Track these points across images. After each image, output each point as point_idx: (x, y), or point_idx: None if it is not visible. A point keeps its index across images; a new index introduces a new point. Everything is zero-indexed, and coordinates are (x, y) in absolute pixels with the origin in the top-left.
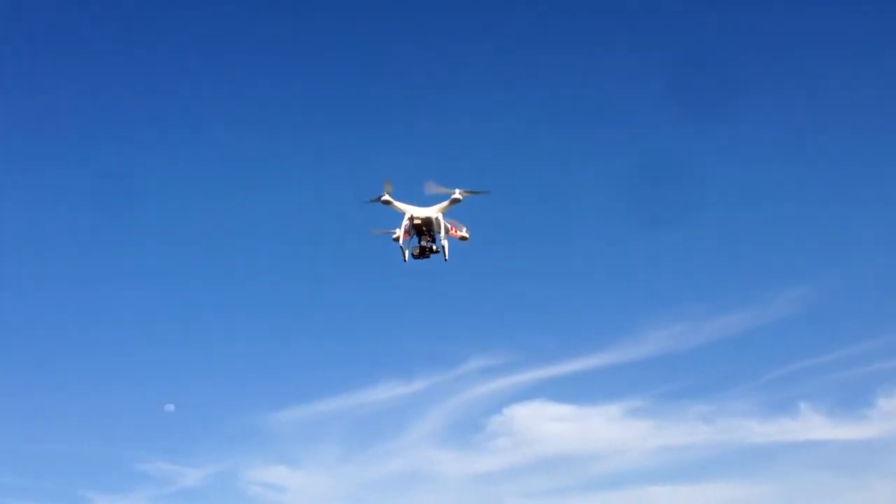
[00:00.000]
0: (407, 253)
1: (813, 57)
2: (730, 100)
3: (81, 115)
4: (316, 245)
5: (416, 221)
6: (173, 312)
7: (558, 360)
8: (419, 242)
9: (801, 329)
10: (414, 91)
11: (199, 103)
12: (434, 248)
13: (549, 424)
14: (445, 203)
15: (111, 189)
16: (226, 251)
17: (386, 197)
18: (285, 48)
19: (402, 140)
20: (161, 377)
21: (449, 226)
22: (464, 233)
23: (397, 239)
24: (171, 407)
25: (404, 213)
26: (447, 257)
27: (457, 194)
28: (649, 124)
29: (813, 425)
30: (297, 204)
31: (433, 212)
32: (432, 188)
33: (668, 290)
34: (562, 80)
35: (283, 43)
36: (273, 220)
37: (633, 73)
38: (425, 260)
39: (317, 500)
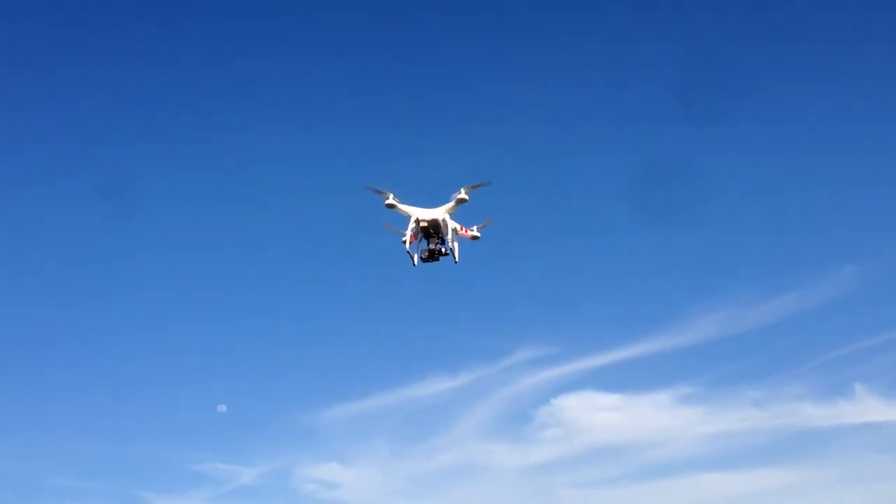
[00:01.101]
0: (416, 257)
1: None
2: (750, 95)
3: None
4: (349, 246)
5: (423, 224)
6: (223, 316)
7: (605, 350)
8: (427, 245)
9: (854, 309)
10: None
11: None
12: (443, 250)
13: (597, 414)
14: (451, 204)
15: (141, 195)
16: (264, 256)
17: (390, 200)
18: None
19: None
20: (213, 379)
21: (458, 226)
22: (474, 232)
23: (405, 243)
24: (223, 408)
25: (410, 217)
26: (457, 259)
27: (462, 194)
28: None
29: (869, 407)
30: (328, 206)
31: (440, 213)
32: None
33: (713, 277)
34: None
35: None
36: (308, 223)
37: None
38: (434, 263)
39: (370, 496)
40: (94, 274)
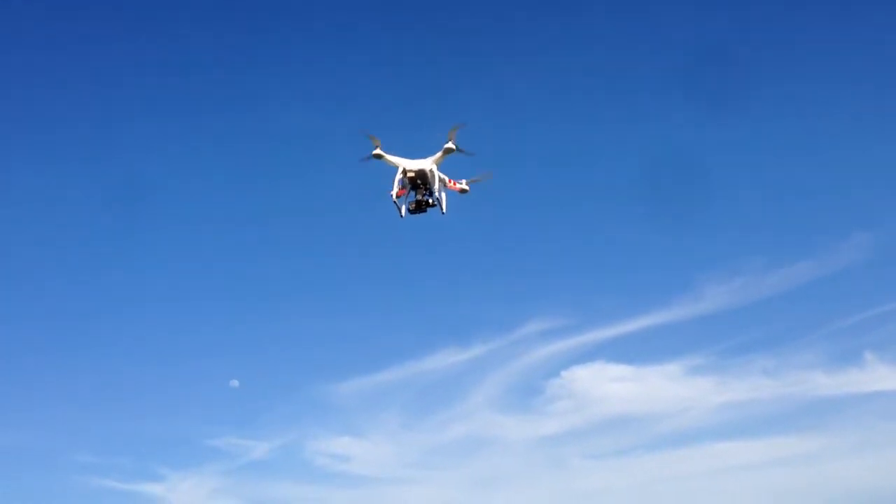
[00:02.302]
0: (403, 209)
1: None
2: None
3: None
4: (359, 218)
5: (410, 174)
6: (234, 292)
7: (616, 321)
8: (415, 196)
9: (864, 277)
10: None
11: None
12: (430, 201)
13: (609, 385)
14: (439, 154)
15: (148, 178)
16: (274, 230)
17: (377, 151)
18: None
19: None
20: (224, 354)
21: (446, 178)
22: (463, 185)
23: (393, 195)
24: (235, 382)
25: (398, 167)
26: (444, 210)
27: (450, 144)
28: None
29: (879, 375)
30: (332, 180)
31: (427, 164)
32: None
33: (723, 245)
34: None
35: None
36: (312, 199)
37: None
38: (422, 214)
39: (382, 469)
40: (105, 254)
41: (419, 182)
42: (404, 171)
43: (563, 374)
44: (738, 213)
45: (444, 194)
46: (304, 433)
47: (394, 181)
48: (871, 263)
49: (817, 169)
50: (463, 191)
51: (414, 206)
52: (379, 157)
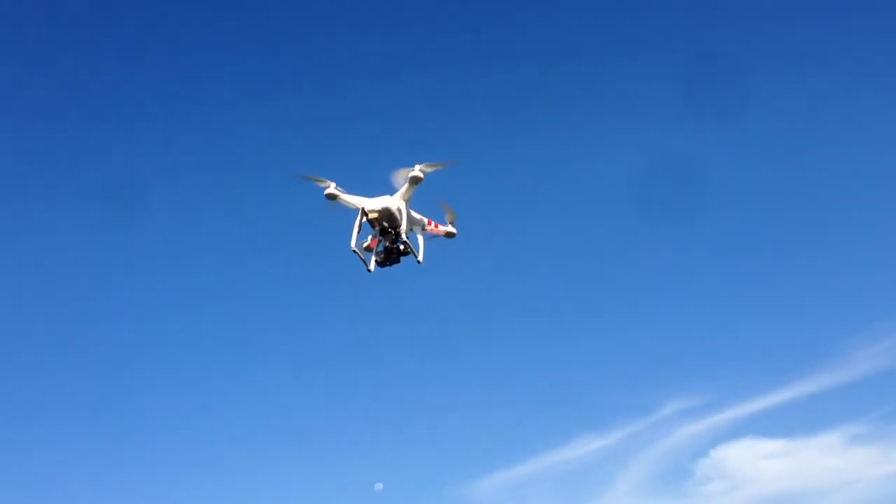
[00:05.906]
0: (372, 262)
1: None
2: None
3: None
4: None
5: (373, 215)
6: (372, 397)
7: (761, 393)
8: (384, 244)
9: None
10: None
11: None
12: (402, 248)
13: (763, 462)
14: (405, 187)
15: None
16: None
17: (330, 190)
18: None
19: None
20: (366, 458)
21: (424, 219)
22: (449, 227)
23: (356, 245)
24: (380, 486)
25: (357, 209)
26: (420, 258)
27: (416, 171)
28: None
29: None
30: None
31: (393, 201)
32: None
33: (867, 305)
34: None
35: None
36: None
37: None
38: (395, 266)
39: None
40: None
41: (386, 224)
42: (364, 212)
43: (712, 453)
44: (877, 271)
45: (421, 237)
46: None
47: (353, 228)
48: None
49: None
50: (449, 234)
51: (382, 256)
52: (333, 197)
